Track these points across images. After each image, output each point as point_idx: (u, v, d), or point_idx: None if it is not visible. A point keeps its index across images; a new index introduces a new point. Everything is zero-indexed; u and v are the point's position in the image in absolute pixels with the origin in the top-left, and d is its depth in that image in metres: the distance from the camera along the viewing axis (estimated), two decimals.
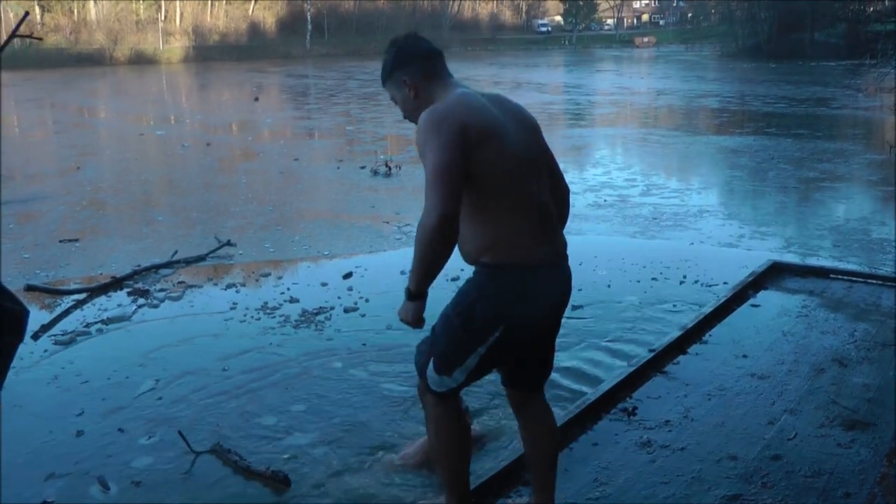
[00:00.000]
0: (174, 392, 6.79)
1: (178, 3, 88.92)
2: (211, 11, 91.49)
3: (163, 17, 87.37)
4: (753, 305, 7.32)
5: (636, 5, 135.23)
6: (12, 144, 24.51)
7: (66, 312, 9.15)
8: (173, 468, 5.57)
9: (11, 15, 76.16)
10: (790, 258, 10.38)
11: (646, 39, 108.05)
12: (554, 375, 7.22)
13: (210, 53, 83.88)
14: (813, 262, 10.20)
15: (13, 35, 4.48)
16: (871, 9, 35.06)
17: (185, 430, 5.85)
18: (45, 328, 8.60)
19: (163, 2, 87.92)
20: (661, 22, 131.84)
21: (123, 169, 20.09)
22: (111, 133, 28.56)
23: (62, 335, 8.34)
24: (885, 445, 4.57)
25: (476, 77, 53.20)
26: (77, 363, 7.60)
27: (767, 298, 7.51)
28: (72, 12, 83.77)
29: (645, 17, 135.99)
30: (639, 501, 4.11)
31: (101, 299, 9.57)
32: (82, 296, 9.68)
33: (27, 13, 5.23)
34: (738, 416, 4.98)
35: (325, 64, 70.78)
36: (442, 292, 4.02)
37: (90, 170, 19.57)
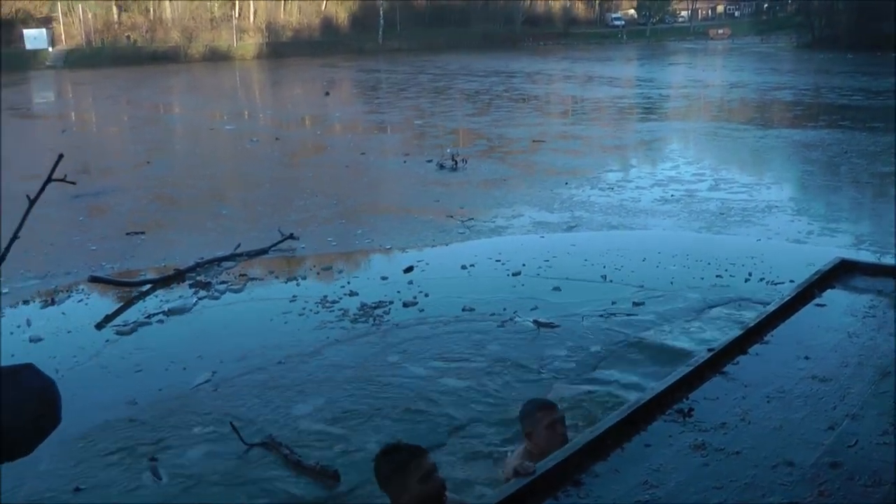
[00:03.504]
0: (230, 384, 6.84)
1: (251, 0, 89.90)
2: (284, 8, 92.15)
3: (237, 15, 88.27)
4: (819, 305, 7.09)
5: None
6: (88, 140, 25.00)
7: (129, 303, 9.28)
8: (225, 459, 5.59)
9: (90, 15, 77.70)
10: (861, 256, 10.11)
11: (720, 31, 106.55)
12: (611, 374, 7.18)
13: (283, 49, 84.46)
14: (884, 260, 9.92)
15: (48, 181, 4.46)
16: None
17: (239, 423, 5.87)
18: (109, 319, 8.72)
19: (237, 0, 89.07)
20: (737, 13, 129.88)
21: (192, 164, 20.35)
22: (183, 128, 28.99)
23: (124, 326, 8.46)
24: None
25: (548, 71, 52.93)
26: (136, 354, 7.70)
27: (834, 298, 7.28)
28: (148, 11, 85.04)
29: (720, 9, 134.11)
30: None
31: (164, 291, 9.66)
32: (146, 287, 9.78)
33: (61, 155, 4.86)
34: (797, 420, 4.80)
35: (397, 58, 70.92)
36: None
37: (160, 164, 19.84)
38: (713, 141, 22.60)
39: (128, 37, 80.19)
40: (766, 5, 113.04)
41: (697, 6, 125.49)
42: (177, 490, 5.22)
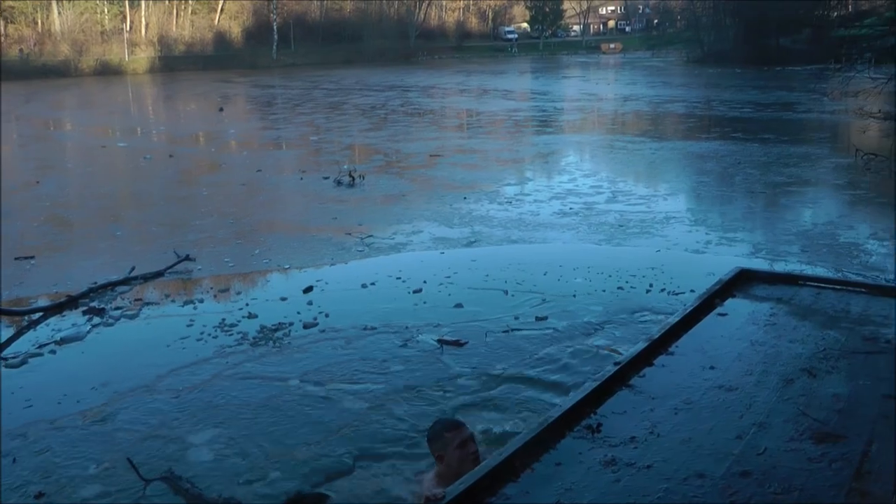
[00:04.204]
0: (125, 417, 6.57)
1: (143, 13, 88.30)
2: (176, 21, 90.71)
3: (128, 28, 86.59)
4: (721, 314, 7.15)
5: (602, 12, 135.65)
6: None
7: (19, 333, 8.90)
8: (123, 497, 5.35)
9: None
10: (758, 264, 10.27)
11: (612, 46, 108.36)
12: (518, 389, 7.13)
13: (176, 63, 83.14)
14: (781, 267, 10.10)
15: None
16: (836, 14, 35.25)
17: (136, 457, 5.63)
18: None
19: (128, 12, 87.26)
20: (628, 28, 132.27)
21: (83, 182, 19.81)
22: (73, 146, 28.20)
23: (13, 357, 8.09)
24: (856, 458, 4.42)
25: (443, 85, 53.14)
26: (27, 388, 7.35)
27: (735, 307, 7.36)
28: (35, 23, 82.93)
29: (611, 24, 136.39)
30: None
31: (56, 319, 9.31)
32: (36, 315, 9.40)
33: None
34: (705, 431, 4.80)
35: (292, 74, 70.39)
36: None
37: (50, 184, 19.24)
38: (609, 153, 22.87)
39: (21, 50, 77.94)
40: (656, 21, 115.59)
41: (589, 21, 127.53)
42: None
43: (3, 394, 7.21)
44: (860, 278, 9.17)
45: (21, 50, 78.37)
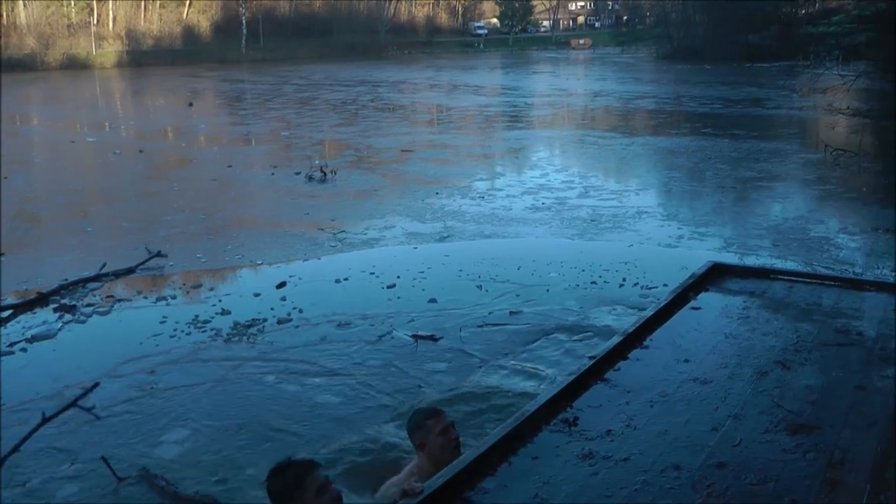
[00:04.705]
0: (99, 415, 6.50)
1: (110, 6, 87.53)
2: (144, 15, 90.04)
3: (95, 21, 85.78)
4: (694, 308, 7.19)
5: (572, 7, 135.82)
6: None
7: None
8: (98, 497, 5.31)
9: None
10: (730, 258, 10.35)
11: (581, 41, 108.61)
12: (494, 384, 7.14)
13: (144, 58, 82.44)
14: (752, 261, 10.18)
15: None
16: (803, 11, 35.54)
17: (110, 456, 5.59)
18: None
19: (95, 5, 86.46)
20: (597, 24, 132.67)
21: (53, 178, 19.64)
22: (41, 141, 27.95)
23: None
24: (829, 449, 4.46)
25: (413, 80, 53.08)
26: None
27: (708, 300, 7.41)
28: (0, 16, 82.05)
29: (581, 20, 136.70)
30: None
31: (26, 316, 9.21)
32: (6, 313, 9.30)
33: None
34: (681, 424, 4.83)
35: (261, 68, 70.00)
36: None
37: (18, 179, 19.03)
38: (580, 149, 22.94)
39: None
40: (625, 17, 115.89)
41: (559, 17, 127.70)
42: None
43: None
44: (831, 272, 9.25)
45: None
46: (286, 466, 3.93)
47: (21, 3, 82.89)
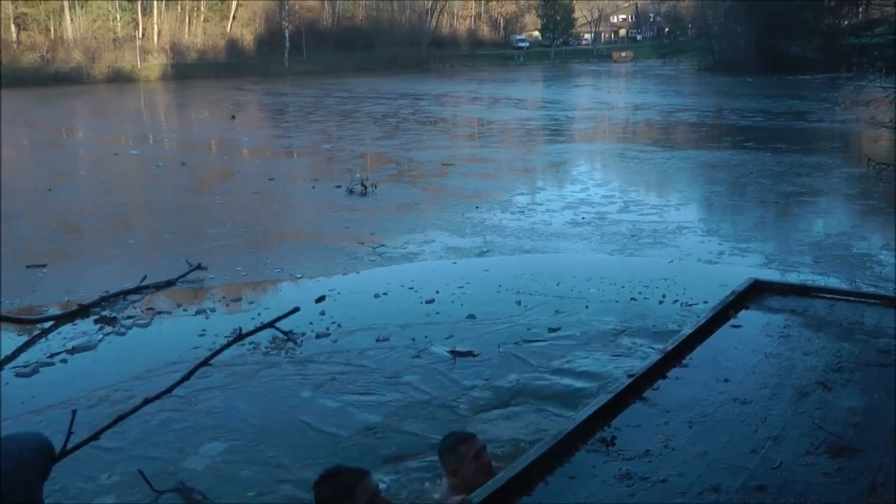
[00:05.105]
0: (137, 428, 6.55)
1: (155, 20, 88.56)
2: (189, 29, 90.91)
3: (140, 35, 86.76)
4: (734, 326, 7.12)
5: (613, 20, 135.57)
6: None
7: (31, 342, 8.90)
8: None
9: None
10: (771, 274, 10.24)
11: (623, 54, 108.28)
12: (531, 401, 7.11)
13: (188, 71, 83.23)
14: (794, 277, 10.07)
15: None
16: (847, 22, 35.14)
17: (147, 469, 5.62)
18: (8, 359, 8.34)
19: (140, 19, 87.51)
20: (639, 37, 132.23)
21: (96, 190, 19.85)
22: (86, 153, 28.31)
23: (24, 367, 8.10)
24: (871, 472, 4.38)
25: (455, 93, 53.16)
26: (38, 397, 7.35)
27: (749, 318, 7.33)
28: (48, 30, 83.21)
29: (622, 32, 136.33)
30: None
31: (67, 328, 9.31)
32: (48, 324, 9.41)
33: None
34: (720, 445, 4.77)
35: (304, 81, 70.44)
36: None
37: (62, 191, 19.30)
38: (621, 163, 22.84)
39: (42, 56, 78.21)
40: (667, 29, 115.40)
41: (601, 29, 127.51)
42: None
43: (12, 403, 7.21)
44: (874, 290, 9.13)
45: (42, 56, 78.66)
46: (336, 473, 3.88)
47: (68, 17, 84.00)
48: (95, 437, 5.30)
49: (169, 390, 4.73)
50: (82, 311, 9.77)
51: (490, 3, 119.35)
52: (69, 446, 4.96)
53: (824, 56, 53.92)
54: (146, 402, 5.45)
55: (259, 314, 9.61)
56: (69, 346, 8.66)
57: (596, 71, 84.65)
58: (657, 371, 5.91)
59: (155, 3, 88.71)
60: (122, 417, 5.38)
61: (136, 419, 6.65)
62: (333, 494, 3.79)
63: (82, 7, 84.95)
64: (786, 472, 4.43)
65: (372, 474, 3.82)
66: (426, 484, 5.58)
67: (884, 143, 22.77)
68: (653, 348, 6.95)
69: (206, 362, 4.68)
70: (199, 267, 11.55)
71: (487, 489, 4.25)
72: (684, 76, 71.17)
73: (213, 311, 9.91)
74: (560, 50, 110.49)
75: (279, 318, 5.33)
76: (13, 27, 79.89)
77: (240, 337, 4.94)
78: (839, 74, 28.55)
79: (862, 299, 7.73)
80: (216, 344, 8.57)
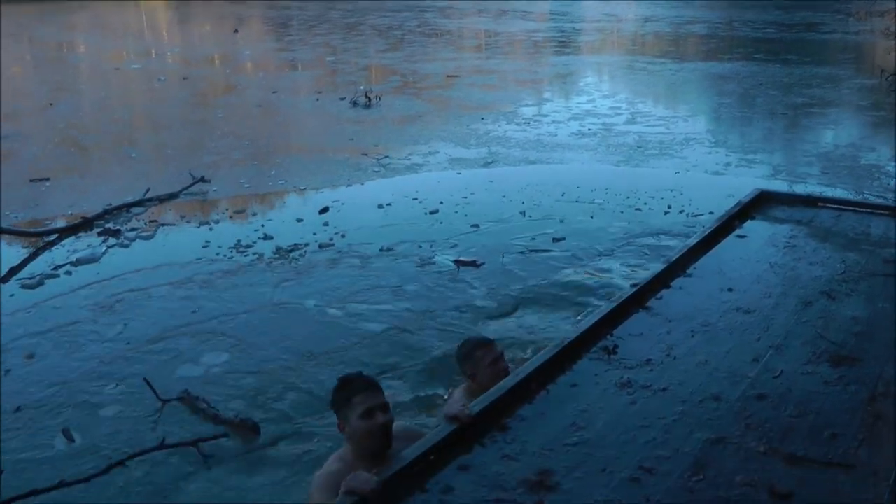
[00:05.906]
0: (141, 338, 6.58)
1: None
2: None
3: None
4: (740, 236, 7.07)
5: None
6: None
7: (35, 255, 8.89)
8: (141, 416, 5.39)
9: None
10: (778, 186, 10.17)
11: None
12: (534, 310, 7.11)
13: None
14: (801, 189, 9.99)
15: None
16: None
17: (153, 378, 5.65)
18: (14, 271, 8.35)
19: None
20: None
21: (97, 105, 19.71)
22: (87, 68, 28.03)
23: (30, 279, 8.11)
24: (872, 382, 4.37)
25: (460, 5, 52.37)
26: (43, 308, 7.37)
27: (754, 228, 7.28)
28: None
29: None
30: (618, 447, 3.90)
31: (71, 240, 9.30)
32: (52, 237, 9.40)
33: None
34: (721, 354, 4.76)
35: None
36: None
37: (64, 106, 19.13)
38: (629, 74, 22.60)
39: None
40: None
41: None
42: (91, 451, 5.01)
43: (19, 313, 7.24)
44: (881, 200, 9.06)
45: None
46: (349, 381, 3.92)
47: None
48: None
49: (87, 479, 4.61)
50: (86, 224, 9.75)
51: None
52: None
53: None
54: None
55: (262, 225, 9.61)
56: (73, 258, 8.65)
57: None
58: (661, 281, 5.87)
59: None
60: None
61: (142, 328, 6.70)
62: (334, 399, 3.84)
63: None
64: (786, 381, 4.42)
65: (381, 391, 3.84)
66: (440, 391, 5.61)
67: None
68: (657, 258, 6.92)
69: (122, 462, 4.64)
70: (202, 179, 11.50)
71: (489, 397, 4.25)
72: None
73: (217, 222, 9.89)
74: None
75: (203, 440, 5.16)
76: None
77: (162, 447, 4.87)
78: None
79: (869, 210, 7.67)
80: (219, 255, 8.59)
